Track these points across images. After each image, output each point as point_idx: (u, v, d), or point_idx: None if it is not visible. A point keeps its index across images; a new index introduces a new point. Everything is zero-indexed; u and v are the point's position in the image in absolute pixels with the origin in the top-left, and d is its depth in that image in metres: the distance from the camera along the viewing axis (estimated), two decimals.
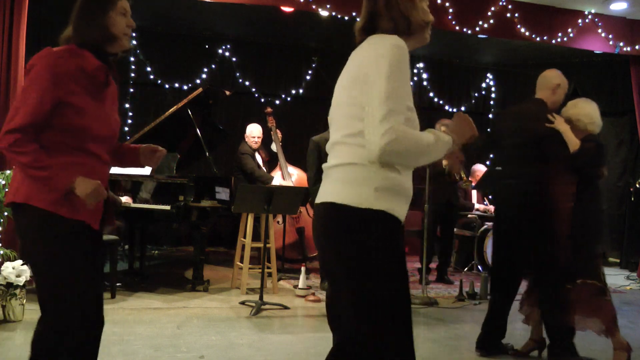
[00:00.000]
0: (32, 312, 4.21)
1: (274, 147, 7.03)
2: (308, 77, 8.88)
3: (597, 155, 3.64)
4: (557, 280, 3.60)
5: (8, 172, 4.41)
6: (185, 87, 8.35)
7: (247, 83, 8.70)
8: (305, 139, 5.77)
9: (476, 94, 9.88)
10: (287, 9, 6.48)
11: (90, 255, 2.11)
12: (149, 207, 5.24)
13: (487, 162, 8.30)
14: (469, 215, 7.48)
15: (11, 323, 4.07)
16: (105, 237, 4.69)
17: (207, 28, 8.27)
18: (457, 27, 6.61)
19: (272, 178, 6.65)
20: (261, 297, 4.78)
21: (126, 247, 6.54)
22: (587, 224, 3.62)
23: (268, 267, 5.37)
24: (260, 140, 6.77)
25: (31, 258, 2.13)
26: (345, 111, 1.85)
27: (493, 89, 9.97)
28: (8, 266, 4.10)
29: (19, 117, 1.99)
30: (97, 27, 2.08)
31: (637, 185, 8.20)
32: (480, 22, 6.71)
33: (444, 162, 5.33)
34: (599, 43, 7.23)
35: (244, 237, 5.54)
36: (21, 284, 4.08)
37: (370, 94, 1.74)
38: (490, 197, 7.81)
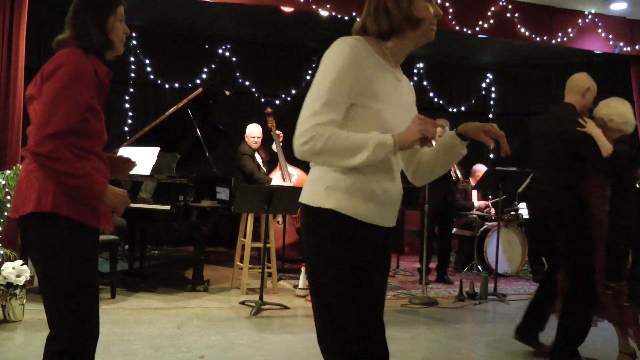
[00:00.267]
0: (32, 312, 4.22)
1: (274, 147, 7.03)
2: (308, 77, 8.87)
3: (630, 157, 3.55)
4: (592, 284, 3.53)
5: (8, 172, 4.40)
6: (185, 87, 8.34)
7: (247, 83, 8.70)
8: None
9: (476, 94, 9.90)
10: (287, 9, 6.48)
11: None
12: (149, 207, 5.23)
13: (487, 162, 8.30)
14: (469, 215, 7.48)
15: (11, 323, 4.07)
16: (106, 237, 4.70)
17: (207, 28, 8.26)
18: (457, 27, 6.61)
19: (270, 180, 6.63)
20: (261, 297, 4.78)
21: (126, 247, 6.55)
22: (623, 227, 3.55)
23: (268, 267, 5.37)
24: (260, 140, 6.76)
25: (53, 269, 1.96)
26: None
27: (493, 89, 9.97)
28: (8, 266, 4.10)
29: (55, 121, 1.88)
30: (100, 33, 2.06)
31: (637, 185, 8.18)
32: (480, 22, 6.71)
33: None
34: (599, 43, 7.22)
35: (244, 237, 5.54)
36: (21, 284, 4.08)
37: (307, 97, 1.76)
38: (490, 197, 7.82)
